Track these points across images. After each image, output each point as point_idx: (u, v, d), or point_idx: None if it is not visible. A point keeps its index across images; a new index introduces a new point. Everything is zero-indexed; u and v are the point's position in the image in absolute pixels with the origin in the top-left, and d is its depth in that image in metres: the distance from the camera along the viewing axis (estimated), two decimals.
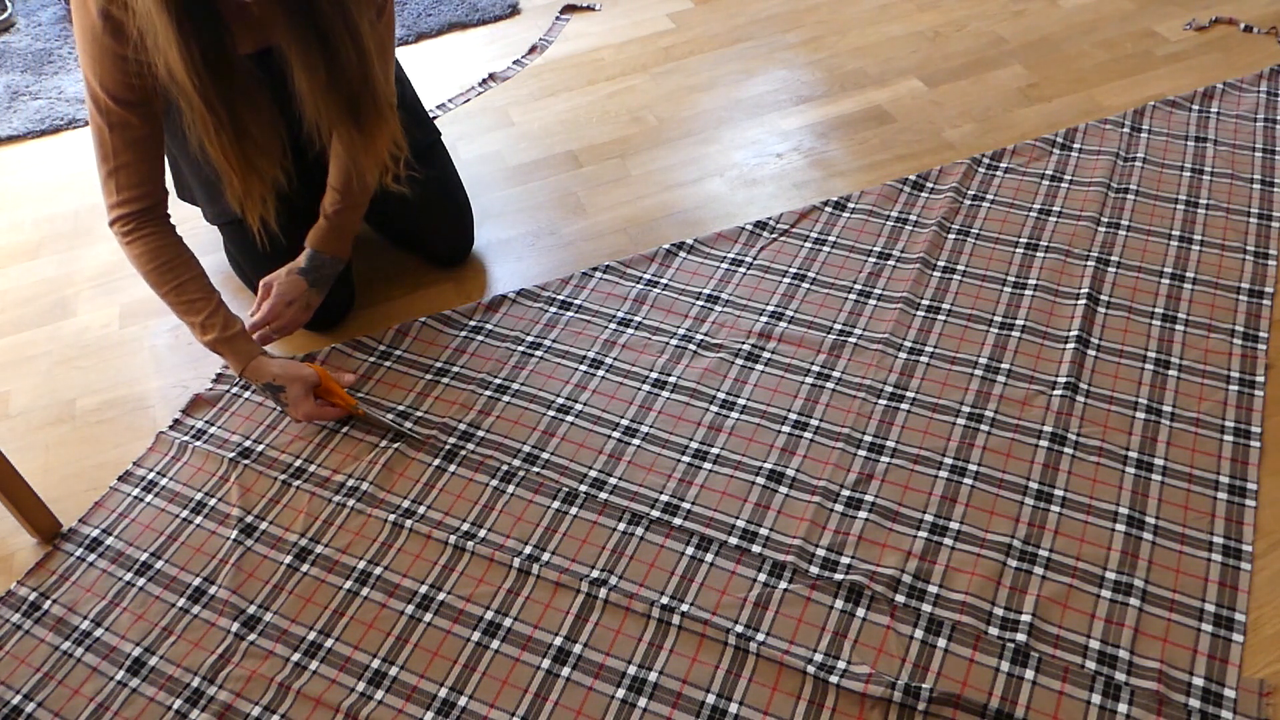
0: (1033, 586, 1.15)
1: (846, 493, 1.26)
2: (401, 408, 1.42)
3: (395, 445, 1.37)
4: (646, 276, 1.60)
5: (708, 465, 1.31)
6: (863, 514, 1.24)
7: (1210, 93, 1.86)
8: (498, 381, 1.44)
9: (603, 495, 1.29)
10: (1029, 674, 1.07)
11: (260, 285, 1.46)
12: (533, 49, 2.21)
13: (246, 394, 1.46)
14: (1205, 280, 1.50)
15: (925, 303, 1.51)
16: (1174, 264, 1.53)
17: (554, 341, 1.50)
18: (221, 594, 1.22)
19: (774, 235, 1.65)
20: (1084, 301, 1.47)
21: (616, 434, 1.36)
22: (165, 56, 1.10)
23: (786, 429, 1.34)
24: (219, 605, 1.21)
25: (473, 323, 1.55)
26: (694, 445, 1.34)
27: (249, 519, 1.30)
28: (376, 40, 1.20)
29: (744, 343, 1.47)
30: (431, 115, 1.74)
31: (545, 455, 1.34)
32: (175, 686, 1.14)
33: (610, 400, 1.41)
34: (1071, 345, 1.41)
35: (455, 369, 1.46)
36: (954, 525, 1.22)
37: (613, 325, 1.52)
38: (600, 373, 1.44)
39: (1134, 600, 1.13)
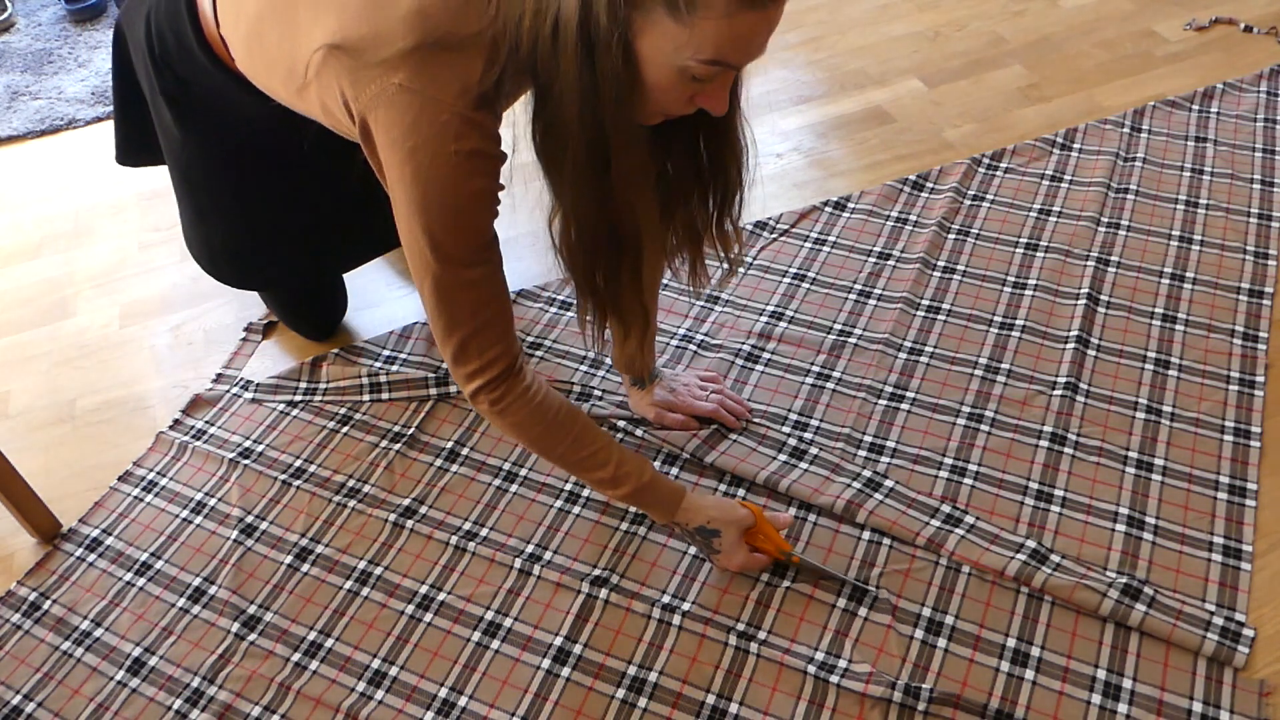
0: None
1: None
2: (406, 414, 1.42)
3: (396, 446, 1.37)
4: None
5: None
6: None
7: (1210, 93, 1.86)
8: None
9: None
10: (1029, 674, 1.07)
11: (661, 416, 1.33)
12: None
13: (246, 394, 1.46)
14: (1205, 280, 1.50)
15: (925, 303, 1.51)
16: (1174, 264, 1.53)
17: (554, 342, 1.50)
18: (221, 594, 1.22)
19: (774, 235, 1.65)
20: (1084, 301, 1.47)
21: (618, 434, 1.36)
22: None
23: (786, 429, 1.34)
24: (219, 605, 1.21)
25: None
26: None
27: (249, 519, 1.30)
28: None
29: (744, 343, 1.47)
30: None
31: None
32: (175, 686, 1.14)
33: (613, 401, 1.40)
34: (1071, 345, 1.41)
35: None
36: None
37: None
38: (601, 373, 1.44)
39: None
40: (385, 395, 1.44)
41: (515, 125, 0.93)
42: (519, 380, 1.00)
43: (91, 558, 1.28)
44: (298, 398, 1.45)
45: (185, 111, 1.22)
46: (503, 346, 0.98)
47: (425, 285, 0.95)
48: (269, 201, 1.32)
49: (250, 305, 1.61)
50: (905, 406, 1.36)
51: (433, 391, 1.43)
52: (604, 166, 0.87)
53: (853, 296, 1.53)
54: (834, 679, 1.08)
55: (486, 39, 0.85)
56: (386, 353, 1.50)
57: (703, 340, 1.48)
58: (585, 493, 1.29)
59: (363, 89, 0.88)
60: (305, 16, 0.93)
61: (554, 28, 0.80)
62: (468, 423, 1.39)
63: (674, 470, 1.30)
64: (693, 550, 1.21)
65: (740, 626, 1.13)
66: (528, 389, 1.01)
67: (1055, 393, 1.35)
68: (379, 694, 1.11)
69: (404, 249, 0.94)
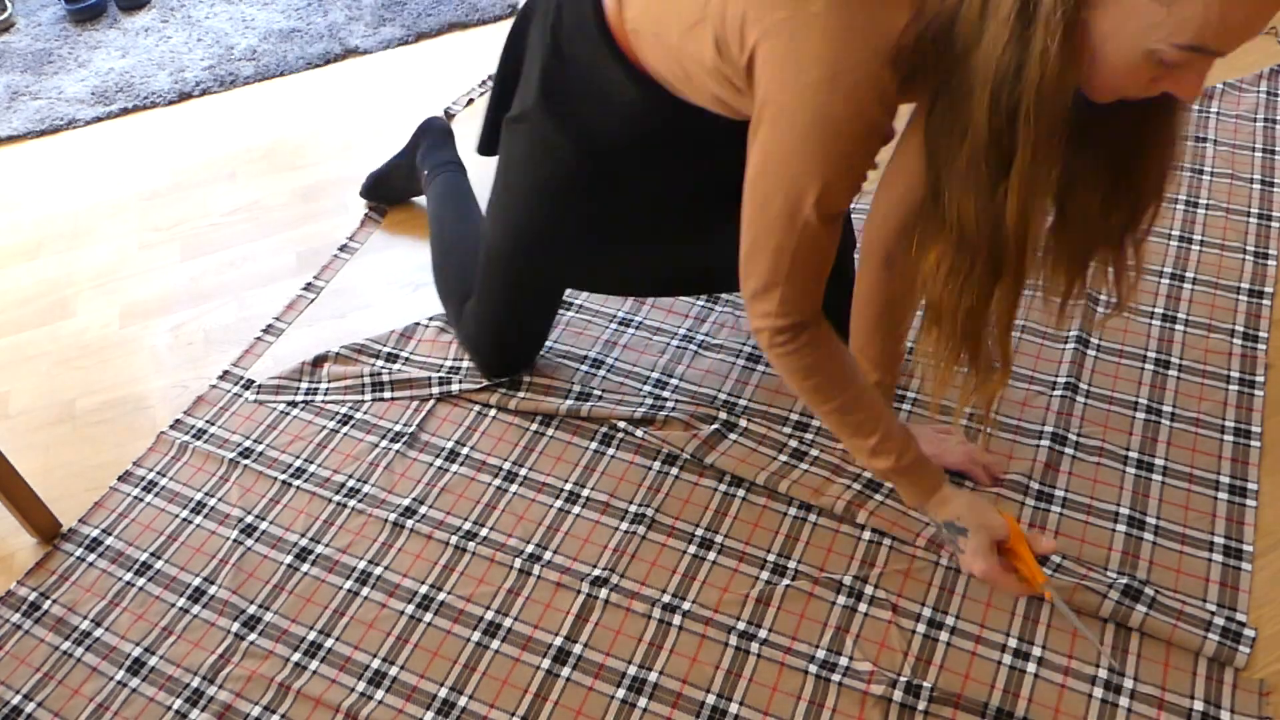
0: None
1: None
2: (406, 413, 1.42)
3: (396, 446, 1.37)
4: None
5: None
6: None
7: (1210, 93, 1.86)
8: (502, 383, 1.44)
9: (604, 496, 1.29)
10: (1030, 668, 1.07)
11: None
12: None
13: (247, 394, 1.46)
14: (1205, 280, 1.50)
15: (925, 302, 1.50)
16: (1174, 264, 1.53)
17: (555, 342, 1.50)
18: (221, 594, 1.22)
19: None
20: (1084, 301, 1.47)
21: (616, 434, 1.36)
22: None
23: (787, 430, 1.34)
24: (219, 605, 1.21)
25: None
26: None
27: (249, 519, 1.30)
28: None
29: (744, 343, 1.47)
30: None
31: (548, 456, 1.34)
32: (175, 686, 1.14)
33: (613, 400, 1.40)
34: (1071, 345, 1.41)
35: (460, 372, 1.46)
36: None
37: (614, 325, 1.52)
38: (601, 373, 1.44)
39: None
40: (388, 394, 1.44)
41: None
42: (809, 331, 0.96)
43: (91, 558, 1.28)
44: (299, 397, 1.45)
45: (559, 101, 1.10)
46: (809, 303, 0.95)
47: (773, 238, 0.88)
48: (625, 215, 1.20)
49: (250, 305, 1.61)
50: (905, 407, 1.36)
51: (435, 391, 1.43)
52: (1005, 164, 0.75)
53: None
54: (835, 678, 1.08)
55: None
56: (388, 350, 1.50)
57: (703, 340, 1.48)
58: (585, 493, 1.29)
59: (770, 11, 0.79)
60: None
61: None
62: (468, 422, 1.39)
63: (674, 470, 1.30)
64: (693, 550, 1.21)
65: (740, 626, 1.13)
66: (819, 341, 0.97)
67: (1055, 393, 1.35)
68: (379, 694, 1.11)
69: (758, 198, 0.88)
